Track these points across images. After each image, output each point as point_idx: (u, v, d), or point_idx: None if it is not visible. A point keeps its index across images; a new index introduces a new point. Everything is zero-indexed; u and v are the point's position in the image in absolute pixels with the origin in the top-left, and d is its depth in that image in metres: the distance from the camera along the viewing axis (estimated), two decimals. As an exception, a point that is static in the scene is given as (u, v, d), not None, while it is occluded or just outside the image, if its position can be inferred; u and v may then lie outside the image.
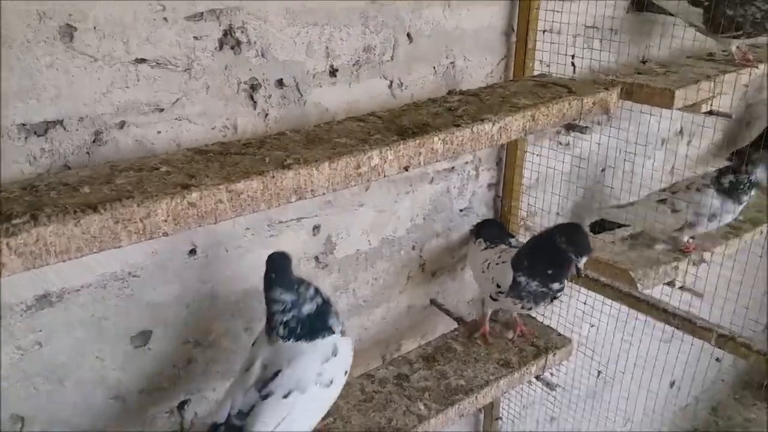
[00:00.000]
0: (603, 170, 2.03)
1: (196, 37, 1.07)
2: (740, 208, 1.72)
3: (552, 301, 1.38)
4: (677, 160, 2.13)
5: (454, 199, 1.64)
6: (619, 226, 1.92)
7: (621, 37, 1.77)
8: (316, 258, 1.40)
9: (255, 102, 1.18)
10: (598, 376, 2.29)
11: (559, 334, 1.53)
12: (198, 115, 1.11)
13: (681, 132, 2.26)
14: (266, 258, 1.04)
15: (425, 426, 1.24)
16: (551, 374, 1.59)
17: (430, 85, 1.44)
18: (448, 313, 1.66)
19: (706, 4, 1.65)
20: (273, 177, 0.85)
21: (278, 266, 1.03)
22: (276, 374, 1.02)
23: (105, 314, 1.12)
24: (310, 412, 1.07)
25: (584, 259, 1.27)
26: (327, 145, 0.96)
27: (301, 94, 1.23)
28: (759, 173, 1.69)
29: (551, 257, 1.31)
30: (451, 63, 1.47)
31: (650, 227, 1.81)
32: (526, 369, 1.41)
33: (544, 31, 1.56)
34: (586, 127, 1.29)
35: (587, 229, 1.35)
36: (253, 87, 1.17)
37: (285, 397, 1.01)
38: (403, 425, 1.23)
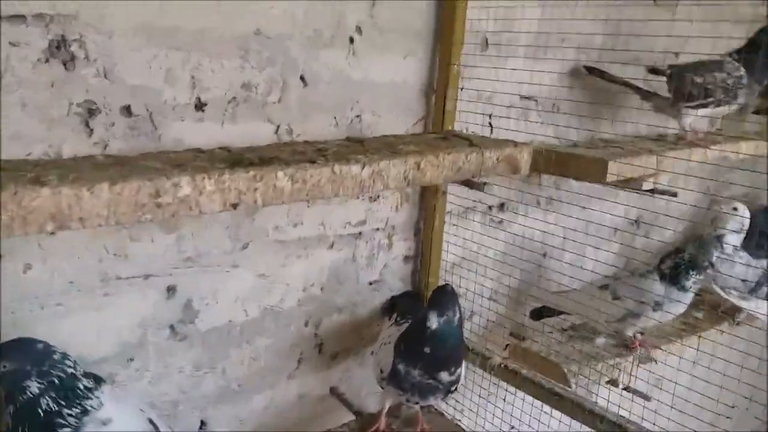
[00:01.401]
0: (544, 255, 1.83)
1: (12, 43, 0.90)
2: (687, 296, 1.50)
3: (447, 395, 1.14)
4: (632, 253, 1.94)
5: (361, 270, 1.42)
6: (560, 314, 1.71)
7: (564, 113, 1.62)
8: (172, 327, 1.17)
9: (91, 129, 0.99)
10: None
11: (471, 435, 1.26)
12: (9, 138, 0.92)
13: (636, 222, 2.09)
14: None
15: None
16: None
17: (330, 138, 1.27)
18: (346, 404, 1.39)
19: (668, 72, 1.52)
20: (16, 194, 0.63)
21: None
22: None
23: None
24: None
25: (431, 316, 1.05)
26: (127, 168, 0.76)
27: (156, 127, 1.05)
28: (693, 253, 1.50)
29: (419, 332, 1.08)
30: (357, 116, 1.30)
31: (591, 316, 1.59)
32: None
33: (465, 95, 1.41)
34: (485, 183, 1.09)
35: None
36: (90, 112, 0.98)
37: None
38: None
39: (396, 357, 1.12)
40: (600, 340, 1.62)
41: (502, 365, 1.33)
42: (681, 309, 1.52)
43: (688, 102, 1.53)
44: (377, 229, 1.42)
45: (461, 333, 1.13)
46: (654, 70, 1.57)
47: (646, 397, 1.52)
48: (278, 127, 1.19)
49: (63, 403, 0.83)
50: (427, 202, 1.44)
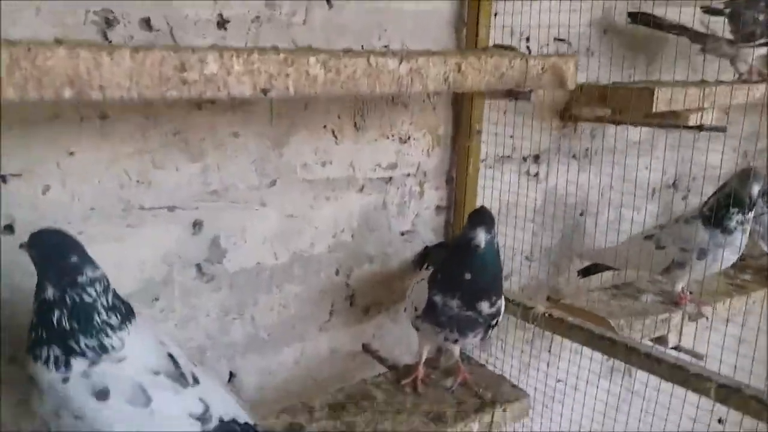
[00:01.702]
0: (581, 214, 1.74)
1: (26, -56, 0.85)
2: (735, 242, 1.38)
3: (487, 331, 1.05)
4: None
5: (392, 218, 1.35)
6: (609, 269, 1.62)
7: (600, 58, 1.54)
8: (198, 266, 1.10)
9: (109, 41, 0.93)
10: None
11: (514, 386, 1.17)
12: (24, 45, 0.86)
13: (674, 185, 1.99)
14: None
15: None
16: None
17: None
18: (381, 360, 1.31)
19: (727, 11, 1.43)
20: (29, 50, 0.57)
21: None
22: None
23: None
24: None
25: (479, 232, 0.97)
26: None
27: (176, 43, 0.99)
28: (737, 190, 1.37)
29: (460, 256, 1.01)
30: (385, 47, 1.23)
31: (642, 267, 1.50)
32: (465, 426, 1.04)
33: (497, 33, 1.34)
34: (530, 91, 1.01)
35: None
36: (108, 22, 0.93)
37: None
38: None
39: (432, 289, 1.04)
40: (646, 297, 1.52)
41: (546, 314, 1.24)
42: (729, 257, 1.40)
43: (750, 41, 1.44)
44: (408, 175, 1.35)
45: (500, 261, 1.05)
46: (710, 10, 1.47)
47: (699, 356, 1.43)
48: (304, 55, 1.13)
49: (77, 326, 0.77)
50: (460, 144, 1.36)
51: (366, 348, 1.36)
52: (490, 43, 1.31)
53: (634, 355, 1.10)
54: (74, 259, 0.78)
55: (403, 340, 1.43)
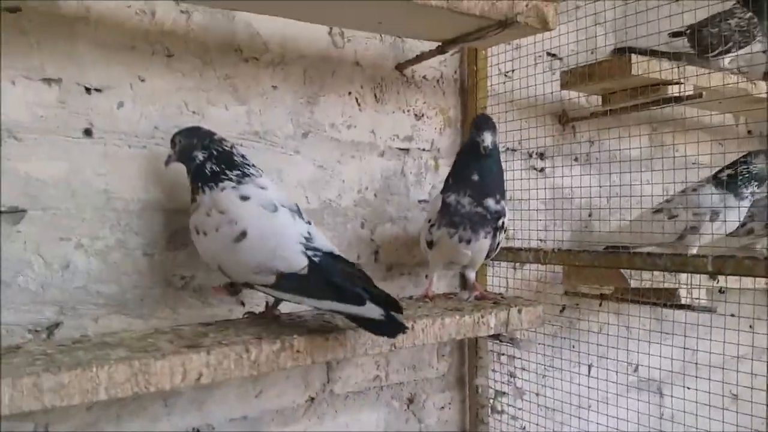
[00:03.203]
0: (589, 214, 1.87)
1: None
2: (744, 204, 1.50)
3: (496, 232, 1.16)
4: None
5: (410, 186, 1.51)
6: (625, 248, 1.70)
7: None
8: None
9: (178, -1, 1.17)
10: None
11: (528, 300, 1.25)
12: (114, -10, 1.11)
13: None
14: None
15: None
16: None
17: (374, 49, 1.43)
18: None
19: (686, 31, 1.67)
20: None
21: None
22: None
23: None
24: None
25: (486, 134, 1.11)
26: None
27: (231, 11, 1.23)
28: (758, 164, 1.51)
29: (467, 159, 1.15)
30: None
31: (648, 241, 1.59)
32: (482, 318, 1.12)
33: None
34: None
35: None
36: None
37: None
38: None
39: (445, 192, 1.17)
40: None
41: (555, 250, 1.34)
42: (737, 218, 1.51)
43: (712, 52, 1.67)
44: (423, 150, 1.53)
45: (501, 163, 1.19)
46: (674, 34, 1.71)
47: (712, 310, 1.48)
48: (331, 29, 1.37)
49: (223, 166, 1.05)
50: (469, 121, 1.55)
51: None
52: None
53: (637, 258, 1.18)
54: (206, 128, 1.11)
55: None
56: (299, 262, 0.97)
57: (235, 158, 1.07)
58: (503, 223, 1.18)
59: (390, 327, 0.94)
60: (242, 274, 1.01)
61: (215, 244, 1.01)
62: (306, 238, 1.00)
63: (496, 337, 1.24)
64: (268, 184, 1.07)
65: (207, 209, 1.02)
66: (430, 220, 1.21)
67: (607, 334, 1.63)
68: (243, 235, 0.99)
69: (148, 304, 1.15)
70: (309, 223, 1.05)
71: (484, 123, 1.15)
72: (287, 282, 0.97)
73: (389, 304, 0.96)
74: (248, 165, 1.08)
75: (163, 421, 1.17)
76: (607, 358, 1.63)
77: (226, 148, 1.08)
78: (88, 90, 1.09)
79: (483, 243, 1.18)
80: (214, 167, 1.05)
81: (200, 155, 1.06)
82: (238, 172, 1.05)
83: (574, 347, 1.71)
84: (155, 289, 1.16)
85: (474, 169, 1.15)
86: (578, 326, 1.74)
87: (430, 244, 1.22)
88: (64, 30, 1.06)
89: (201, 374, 0.87)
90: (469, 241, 1.17)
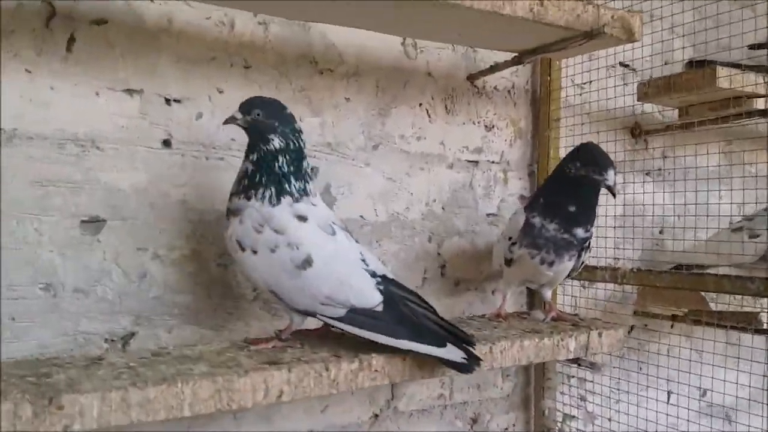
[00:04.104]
0: (661, 232, 1.80)
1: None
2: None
3: (580, 256, 1.12)
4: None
5: (479, 199, 1.47)
6: (698, 266, 1.62)
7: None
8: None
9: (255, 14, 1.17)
10: None
11: (608, 322, 1.20)
12: None
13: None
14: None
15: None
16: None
17: (447, 60, 1.41)
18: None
19: None
20: None
21: None
22: None
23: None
24: None
25: (611, 174, 1.06)
26: None
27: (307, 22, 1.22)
28: None
29: (570, 190, 1.10)
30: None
31: (725, 261, 1.52)
32: (562, 341, 1.08)
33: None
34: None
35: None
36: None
37: None
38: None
39: (530, 212, 1.13)
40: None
41: (633, 270, 1.28)
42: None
43: None
44: (493, 162, 1.49)
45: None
46: (755, 46, 1.63)
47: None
48: (404, 39, 1.35)
49: (292, 169, 0.94)
50: (540, 134, 1.51)
51: (457, 323, 1.41)
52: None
53: (726, 281, 1.13)
54: (289, 111, 0.97)
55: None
56: (374, 298, 0.91)
57: (304, 162, 0.96)
58: (589, 243, 1.13)
59: (467, 365, 0.92)
60: (306, 304, 0.93)
61: (271, 268, 0.91)
62: (363, 261, 0.95)
63: (574, 361, 1.19)
64: (318, 199, 0.98)
65: (256, 223, 0.91)
66: (510, 238, 1.17)
67: (679, 357, 1.56)
68: (308, 262, 0.90)
69: (220, 315, 1.15)
70: (357, 241, 1.00)
71: (605, 159, 1.08)
72: (360, 317, 0.91)
73: (462, 339, 0.93)
74: (309, 174, 0.98)
75: (231, 434, 1.17)
76: (678, 383, 1.56)
77: (301, 144, 0.96)
78: (167, 101, 1.10)
79: (566, 265, 1.13)
80: (285, 166, 0.93)
81: (277, 141, 0.94)
82: (302, 185, 0.95)
83: (641, 369, 1.65)
84: (228, 300, 1.16)
85: (574, 202, 1.09)
86: (647, 348, 1.67)
87: (509, 262, 1.18)
88: (148, 42, 1.07)
89: (282, 392, 0.85)
90: (552, 264, 1.13)
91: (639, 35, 1.16)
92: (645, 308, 1.61)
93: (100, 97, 1.04)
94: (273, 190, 0.93)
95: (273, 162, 0.93)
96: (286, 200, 0.93)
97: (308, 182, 0.96)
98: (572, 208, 1.09)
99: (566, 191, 1.11)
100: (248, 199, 0.93)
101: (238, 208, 0.93)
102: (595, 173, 1.07)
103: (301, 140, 0.96)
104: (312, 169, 1.20)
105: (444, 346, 0.90)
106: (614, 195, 1.08)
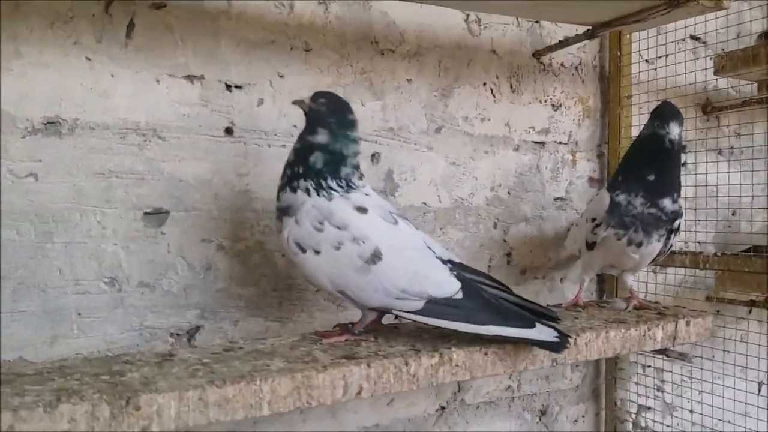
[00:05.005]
0: (734, 213, 1.69)
1: None
2: None
3: (670, 235, 1.04)
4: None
5: (546, 183, 1.40)
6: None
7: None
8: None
9: (318, -9, 1.12)
10: None
11: (694, 309, 1.12)
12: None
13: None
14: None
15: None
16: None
17: (512, 36, 1.33)
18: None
19: None
20: None
21: None
22: None
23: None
24: None
25: (674, 128, 0.98)
26: None
27: (367, -1, 1.16)
28: None
29: (645, 156, 1.03)
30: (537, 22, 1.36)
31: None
32: (648, 330, 1.01)
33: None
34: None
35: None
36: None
37: None
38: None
39: (614, 191, 1.06)
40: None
41: (717, 253, 1.20)
42: None
43: None
44: (560, 143, 1.41)
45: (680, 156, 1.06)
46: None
47: None
48: (467, 15, 1.28)
49: (326, 169, 0.88)
50: (611, 113, 1.42)
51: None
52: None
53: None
54: (353, 118, 0.91)
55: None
56: (452, 285, 0.86)
57: (342, 169, 0.89)
58: (679, 225, 1.05)
59: (558, 344, 0.86)
60: (379, 300, 0.87)
61: (337, 267, 0.85)
62: (429, 248, 0.90)
63: (661, 351, 1.12)
64: (369, 188, 0.92)
65: (315, 221, 0.85)
66: (594, 219, 1.09)
67: (758, 344, 1.47)
68: (377, 255, 0.84)
69: (285, 307, 1.11)
70: (417, 228, 0.94)
71: (670, 112, 1.02)
72: (439, 307, 0.86)
73: (546, 317, 0.89)
74: (353, 174, 0.90)
75: (298, 429, 1.14)
76: (758, 370, 1.47)
77: (346, 151, 0.89)
78: (228, 87, 1.06)
79: (654, 246, 1.06)
80: (317, 163, 0.87)
81: (323, 137, 0.88)
82: (343, 182, 0.88)
83: (714, 357, 1.56)
84: (293, 291, 1.12)
85: (651, 168, 1.02)
86: (722, 335, 1.58)
87: (591, 246, 1.11)
88: (208, 25, 1.03)
89: (361, 388, 0.81)
90: (640, 244, 1.05)
91: (728, 1, 1.07)
92: (724, 293, 1.52)
93: (161, 84, 1.01)
94: (312, 183, 0.87)
95: (309, 154, 0.88)
96: (337, 192, 0.87)
97: (351, 179, 0.89)
98: (651, 177, 1.02)
99: (641, 159, 1.04)
100: (293, 191, 0.87)
101: (290, 206, 0.88)
102: (659, 127, 1.00)
103: (348, 148, 0.89)
104: (373, 155, 1.16)
105: (533, 326, 0.85)
106: (670, 147, 1.00)
